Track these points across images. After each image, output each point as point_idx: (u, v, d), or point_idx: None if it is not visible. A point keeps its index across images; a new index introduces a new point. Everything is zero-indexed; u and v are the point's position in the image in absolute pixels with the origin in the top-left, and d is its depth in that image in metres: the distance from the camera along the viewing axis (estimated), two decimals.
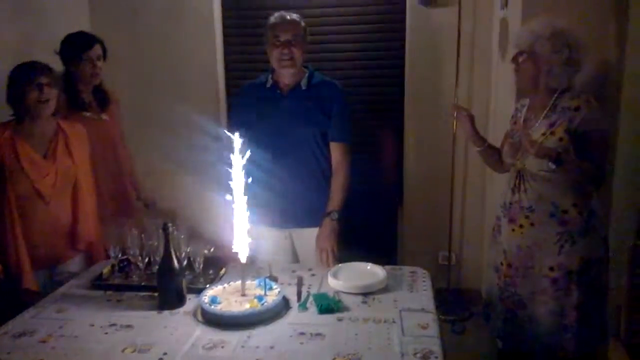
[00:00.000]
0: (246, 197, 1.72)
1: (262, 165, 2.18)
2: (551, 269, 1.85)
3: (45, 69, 2.05)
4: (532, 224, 1.87)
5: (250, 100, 2.32)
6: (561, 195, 1.82)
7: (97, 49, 2.45)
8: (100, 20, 3.36)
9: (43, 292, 1.99)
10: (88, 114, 2.47)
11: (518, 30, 1.93)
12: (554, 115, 1.84)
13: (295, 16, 2.23)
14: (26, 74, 2.00)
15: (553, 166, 1.74)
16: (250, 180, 1.71)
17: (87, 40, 2.45)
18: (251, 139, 2.22)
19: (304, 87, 2.24)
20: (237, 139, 1.69)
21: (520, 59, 1.86)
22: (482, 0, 3.11)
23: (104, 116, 2.53)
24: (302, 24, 2.23)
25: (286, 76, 2.25)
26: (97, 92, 2.53)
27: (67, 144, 2.13)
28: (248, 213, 1.72)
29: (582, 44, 1.80)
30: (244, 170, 1.70)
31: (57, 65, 2.42)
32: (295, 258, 2.39)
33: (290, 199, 2.24)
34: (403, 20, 3.23)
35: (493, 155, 2.12)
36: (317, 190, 2.26)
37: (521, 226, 1.89)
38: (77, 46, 2.42)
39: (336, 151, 2.28)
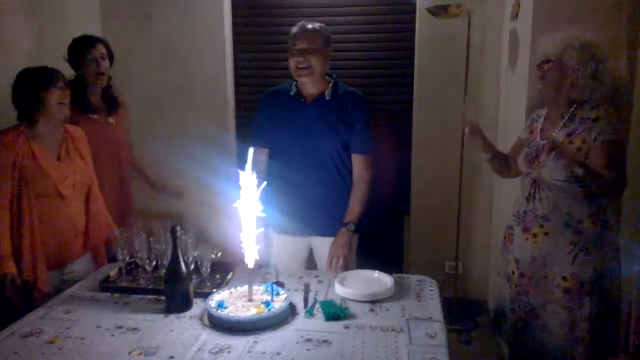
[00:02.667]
0: (266, 205, 1.73)
1: (284, 173, 2.23)
2: (564, 279, 1.83)
3: (60, 73, 2.08)
4: (546, 234, 1.86)
5: (272, 108, 2.31)
6: (576, 206, 1.81)
7: (100, 48, 2.50)
8: (111, 26, 3.39)
9: (53, 293, 2.00)
10: (95, 116, 2.51)
11: (546, 38, 1.91)
12: (572, 124, 1.83)
13: (317, 25, 2.21)
14: (47, 78, 2.01)
15: (580, 171, 1.71)
16: (264, 184, 1.72)
17: (90, 40, 2.51)
18: (273, 147, 2.29)
19: (327, 97, 2.23)
20: (250, 151, 1.69)
21: (546, 67, 1.86)
22: (492, 10, 3.12)
23: (111, 120, 2.57)
24: (324, 33, 2.22)
25: (307, 85, 2.24)
26: (105, 96, 2.58)
27: (76, 146, 2.16)
28: (267, 220, 1.74)
29: (607, 59, 1.80)
30: (258, 178, 1.70)
31: (67, 71, 2.45)
32: (311, 267, 2.38)
33: (311, 208, 2.23)
34: (413, 30, 3.25)
35: (501, 162, 2.14)
36: (337, 200, 2.25)
37: (535, 235, 1.88)
38: (80, 47, 2.49)
39: (358, 163, 2.27)
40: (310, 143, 2.21)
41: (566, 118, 1.85)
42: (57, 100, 2.03)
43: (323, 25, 2.25)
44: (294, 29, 2.22)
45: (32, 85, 2.01)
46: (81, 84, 2.47)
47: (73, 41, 2.52)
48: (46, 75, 2.02)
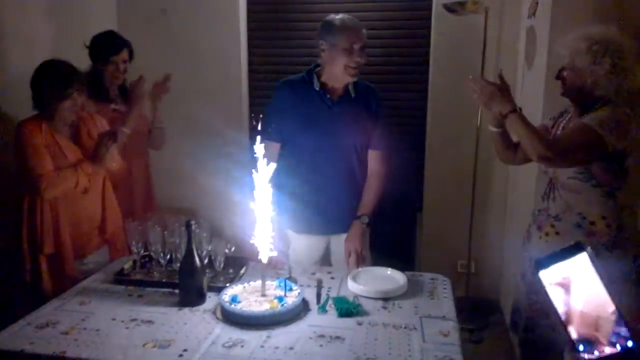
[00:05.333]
0: (282, 203, 1.74)
1: (300, 170, 2.18)
2: None
3: (76, 74, 2.07)
4: (557, 233, 1.84)
5: (289, 100, 2.17)
6: (590, 207, 1.79)
7: (123, 55, 2.51)
8: (126, 20, 3.41)
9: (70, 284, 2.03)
10: (116, 106, 2.54)
11: (556, 46, 1.87)
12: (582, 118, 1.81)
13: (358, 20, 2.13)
14: (61, 86, 2.01)
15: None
16: (274, 182, 1.72)
17: (115, 44, 2.50)
18: (288, 143, 2.20)
19: (352, 95, 2.17)
20: (261, 147, 1.68)
21: (565, 74, 1.82)
22: (509, 8, 3.09)
23: (124, 109, 2.56)
24: None
25: (338, 82, 2.15)
26: (121, 89, 2.60)
27: (91, 136, 2.18)
28: (284, 219, 1.74)
29: (627, 49, 1.75)
30: (272, 173, 1.70)
31: (86, 59, 2.47)
32: (325, 264, 2.35)
33: (328, 206, 2.20)
34: (429, 27, 3.23)
35: (508, 142, 2.03)
36: (354, 198, 2.22)
37: (547, 234, 1.86)
38: (104, 50, 2.48)
39: (374, 159, 2.23)
40: (332, 142, 2.16)
41: (585, 114, 1.82)
42: (71, 105, 2.04)
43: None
44: (346, 22, 2.09)
45: (48, 86, 2.02)
46: (98, 76, 2.49)
47: (98, 37, 2.51)
48: (63, 78, 2.02)
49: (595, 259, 0.93)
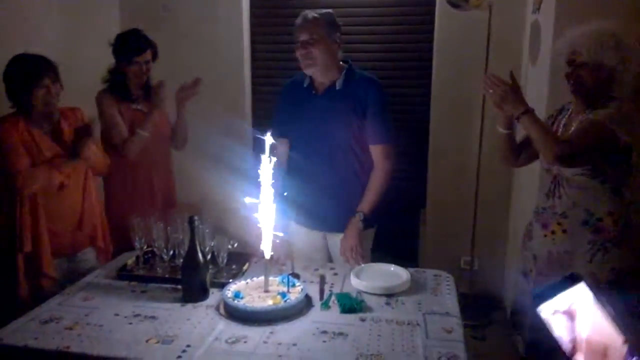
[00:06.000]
0: (287, 196, 1.76)
1: (301, 165, 2.20)
2: None
3: (48, 63, 2.05)
4: (564, 231, 1.83)
5: (289, 99, 2.29)
6: (596, 203, 1.78)
7: (147, 55, 2.45)
8: (129, 17, 3.40)
9: (62, 281, 2.03)
10: (138, 106, 2.50)
11: (574, 32, 1.78)
12: (586, 115, 1.79)
13: (318, 14, 2.14)
14: (32, 75, 1.99)
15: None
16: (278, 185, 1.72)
17: (139, 45, 2.43)
18: (291, 138, 2.27)
19: (338, 87, 2.17)
20: (268, 139, 1.69)
21: (583, 72, 1.76)
22: (513, 3, 3.07)
23: (146, 108, 2.51)
24: (326, 20, 2.14)
25: (317, 75, 2.19)
26: (145, 88, 2.53)
27: (72, 130, 2.16)
28: (288, 211, 1.75)
29: (633, 52, 1.74)
30: (278, 168, 1.71)
31: (91, 56, 2.46)
32: (330, 259, 2.36)
33: (325, 204, 2.20)
34: (432, 22, 3.21)
35: (513, 145, 2.02)
36: (351, 196, 2.19)
37: (553, 232, 1.85)
38: (127, 50, 2.42)
39: (375, 153, 2.21)
40: (322, 135, 2.18)
41: (589, 110, 1.80)
42: (45, 94, 2.02)
43: (327, 11, 2.17)
44: (296, 20, 2.17)
45: (18, 80, 2.00)
46: (121, 74, 2.46)
47: (122, 38, 2.45)
48: (33, 69, 2.00)
49: (595, 289, 0.93)
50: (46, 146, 2.06)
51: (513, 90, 1.77)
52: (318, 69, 2.16)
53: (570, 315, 0.97)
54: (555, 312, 0.97)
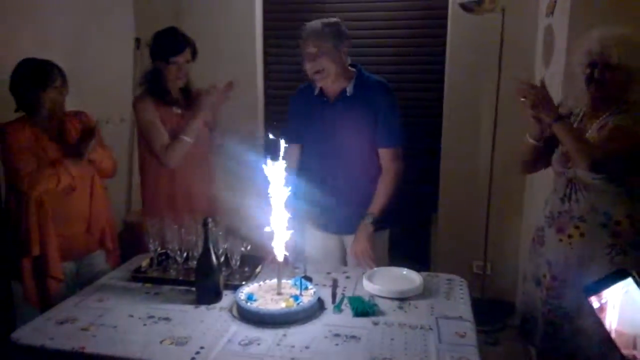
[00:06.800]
0: (301, 200, 1.78)
1: (314, 171, 2.23)
2: None
3: (54, 68, 2.07)
4: (582, 235, 1.81)
5: (301, 106, 2.31)
6: (615, 206, 1.76)
7: (186, 54, 2.31)
8: (143, 21, 3.44)
9: (70, 285, 2.05)
10: (178, 110, 2.37)
11: (602, 40, 1.74)
12: (605, 120, 1.78)
13: (322, 24, 2.12)
14: (39, 79, 2.01)
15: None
16: (290, 188, 1.72)
17: (177, 45, 2.29)
18: (304, 144, 2.29)
19: (349, 94, 2.18)
20: (281, 143, 1.70)
21: (609, 74, 1.74)
22: (526, 7, 3.06)
23: (188, 112, 2.37)
24: (332, 30, 2.11)
25: (328, 84, 2.19)
26: (183, 91, 2.41)
27: (77, 133, 2.18)
28: (302, 215, 1.75)
29: None
30: (289, 171, 1.72)
31: (106, 60, 2.48)
32: (344, 263, 2.36)
33: (338, 207, 2.21)
34: (445, 26, 3.21)
35: (540, 153, 1.98)
36: (364, 199, 2.20)
37: (570, 236, 1.83)
38: (164, 49, 2.29)
39: (384, 157, 2.22)
40: (335, 142, 2.20)
41: (606, 115, 1.80)
42: (52, 99, 2.05)
43: (334, 21, 2.15)
44: (302, 32, 2.15)
45: (25, 84, 2.03)
46: (159, 76, 2.32)
47: (160, 35, 2.32)
48: (40, 74, 2.02)
49: None
50: (52, 149, 2.08)
51: (545, 97, 1.76)
52: (328, 80, 2.17)
53: (601, 308, 1.02)
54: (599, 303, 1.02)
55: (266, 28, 3.50)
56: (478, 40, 3.12)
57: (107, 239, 2.26)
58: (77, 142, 2.12)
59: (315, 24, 2.15)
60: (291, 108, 2.37)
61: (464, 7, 2.86)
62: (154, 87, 2.32)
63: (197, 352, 1.45)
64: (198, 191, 2.40)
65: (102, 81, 2.52)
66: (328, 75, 2.14)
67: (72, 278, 2.15)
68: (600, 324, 1.01)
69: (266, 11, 3.48)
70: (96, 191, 2.21)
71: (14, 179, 2.04)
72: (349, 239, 2.28)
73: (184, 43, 2.31)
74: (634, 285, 0.96)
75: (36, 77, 2.02)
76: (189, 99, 2.39)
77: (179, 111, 2.37)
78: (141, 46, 3.47)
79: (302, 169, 2.31)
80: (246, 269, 1.98)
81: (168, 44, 2.29)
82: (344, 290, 1.85)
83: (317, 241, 2.32)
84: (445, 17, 3.20)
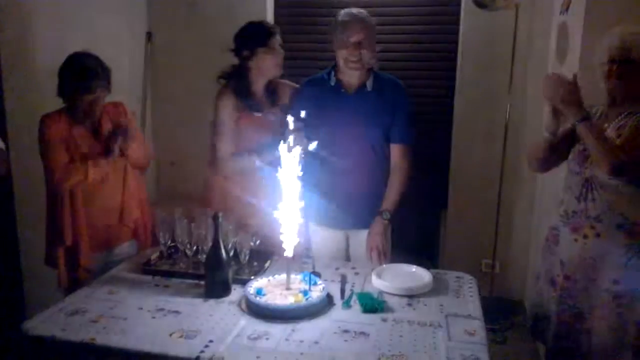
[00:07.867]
0: (306, 196, 1.74)
1: (323, 164, 2.19)
2: (615, 282, 1.77)
3: (102, 69, 2.07)
4: (597, 235, 1.78)
5: (311, 98, 2.22)
6: (632, 207, 1.74)
7: (273, 42, 2.22)
8: (157, 15, 3.44)
9: (99, 274, 2.06)
10: (258, 114, 2.25)
11: (624, 35, 1.72)
12: (624, 119, 1.76)
13: (365, 14, 2.14)
14: (84, 79, 2.02)
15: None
16: (301, 174, 1.71)
17: (264, 34, 2.21)
18: (312, 137, 2.16)
19: (369, 89, 2.18)
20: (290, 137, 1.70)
21: (630, 71, 1.71)
22: (540, 3, 3.03)
23: (271, 116, 2.27)
24: (373, 22, 2.15)
25: (352, 76, 2.18)
26: (268, 86, 2.30)
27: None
28: (305, 211, 1.74)
29: None
30: (299, 166, 1.71)
31: (114, 55, 2.48)
32: (348, 259, 2.36)
33: (348, 200, 2.20)
34: (457, 22, 3.19)
35: (555, 149, 1.93)
36: (375, 193, 2.21)
37: (585, 236, 1.81)
38: (252, 39, 2.21)
39: (396, 152, 2.22)
40: (350, 135, 2.18)
41: (624, 114, 1.77)
42: (92, 100, 2.05)
43: (367, 12, 2.18)
44: (345, 17, 2.13)
45: (72, 77, 2.04)
46: (244, 74, 2.24)
47: (249, 26, 2.25)
48: (87, 72, 2.02)
49: None
50: (86, 143, 2.10)
51: (575, 95, 1.73)
52: (362, 72, 2.16)
53: None
54: None
55: (278, 24, 3.48)
56: (491, 36, 3.10)
57: (140, 229, 2.28)
58: (109, 136, 2.13)
59: (359, 11, 2.14)
60: (302, 96, 2.27)
61: (477, 3, 2.84)
62: (238, 82, 2.23)
63: (206, 346, 1.45)
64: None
65: (114, 75, 2.53)
66: (363, 67, 2.14)
67: (102, 268, 2.16)
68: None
69: (277, 6, 3.47)
70: (128, 183, 2.22)
71: (45, 172, 2.07)
72: (354, 234, 2.28)
73: (271, 33, 2.24)
74: None
75: (83, 79, 2.02)
76: (272, 97, 2.31)
77: (259, 114, 2.25)
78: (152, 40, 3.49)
79: (311, 161, 2.26)
80: (255, 264, 1.99)
81: (253, 35, 2.22)
82: (352, 287, 1.85)
83: (322, 237, 2.31)
84: (458, 14, 3.18)
